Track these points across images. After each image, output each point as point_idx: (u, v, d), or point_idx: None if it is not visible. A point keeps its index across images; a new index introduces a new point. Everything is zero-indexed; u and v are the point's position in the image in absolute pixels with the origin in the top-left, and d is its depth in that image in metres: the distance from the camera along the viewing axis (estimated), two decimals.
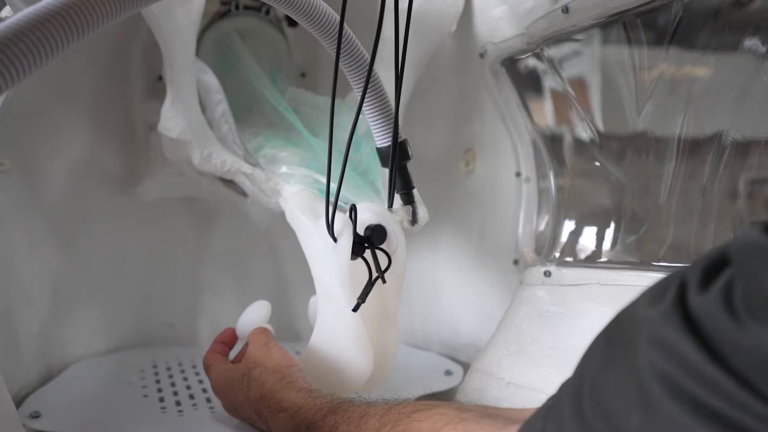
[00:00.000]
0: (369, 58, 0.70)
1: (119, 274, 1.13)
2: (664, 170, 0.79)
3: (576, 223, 0.90)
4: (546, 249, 0.91)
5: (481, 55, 0.95)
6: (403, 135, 0.75)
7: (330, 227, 0.71)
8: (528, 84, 0.94)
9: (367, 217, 0.72)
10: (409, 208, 0.76)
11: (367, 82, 0.70)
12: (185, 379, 0.98)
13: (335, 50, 0.69)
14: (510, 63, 0.93)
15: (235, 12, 1.10)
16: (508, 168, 1.01)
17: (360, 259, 0.72)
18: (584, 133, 0.87)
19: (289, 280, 1.26)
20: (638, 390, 0.31)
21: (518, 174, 0.99)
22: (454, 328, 1.12)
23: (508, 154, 1.01)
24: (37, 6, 0.40)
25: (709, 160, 0.74)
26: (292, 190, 0.86)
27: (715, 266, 0.32)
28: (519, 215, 0.98)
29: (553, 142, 0.93)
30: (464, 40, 1.00)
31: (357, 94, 0.73)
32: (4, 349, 0.86)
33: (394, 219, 0.73)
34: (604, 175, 0.85)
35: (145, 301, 1.17)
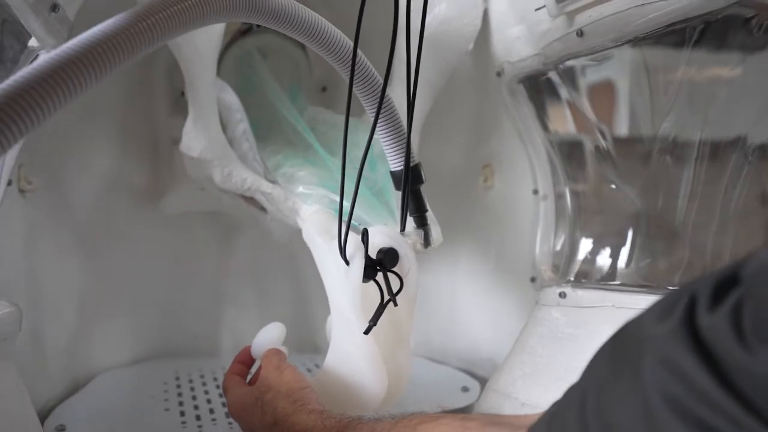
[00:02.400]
0: (382, 82, 0.71)
1: (143, 287, 1.16)
2: (681, 189, 0.78)
3: (592, 243, 0.89)
4: (562, 269, 0.91)
5: (498, 74, 0.95)
6: (416, 158, 0.76)
7: (342, 250, 0.71)
8: (544, 101, 0.94)
9: (379, 240, 0.73)
10: (422, 231, 0.77)
11: (379, 108, 0.71)
12: (206, 392, 1.00)
13: (348, 75, 0.70)
14: (527, 81, 0.93)
15: (256, 30, 1.12)
16: (525, 185, 1.01)
17: (373, 282, 0.73)
18: (600, 150, 0.87)
19: (309, 293, 1.27)
20: (644, 407, 0.31)
21: (535, 191, 0.99)
22: (473, 343, 1.13)
23: (525, 171, 1.01)
24: (53, 55, 0.42)
25: (727, 173, 0.73)
26: (309, 210, 0.87)
27: (725, 285, 0.31)
28: (536, 233, 0.98)
29: (569, 159, 0.92)
30: (482, 58, 1.00)
31: (370, 117, 0.74)
32: (32, 365, 0.89)
33: (406, 242, 0.74)
34: (620, 194, 0.85)
35: (168, 313, 1.19)
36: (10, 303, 0.66)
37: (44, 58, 0.42)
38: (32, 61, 0.67)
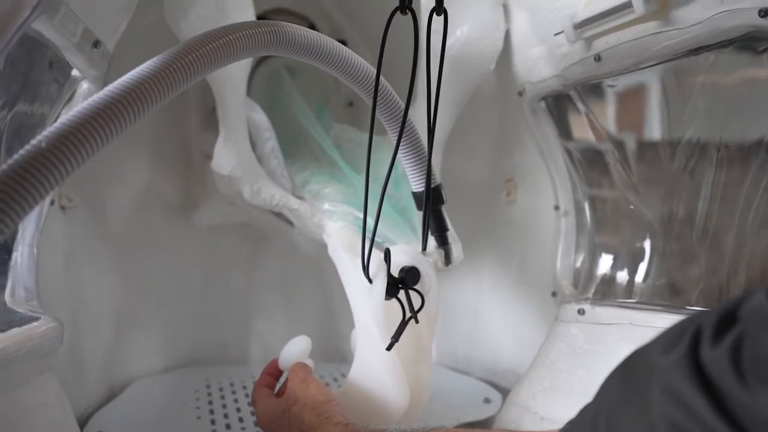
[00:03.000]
0: (403, 107, 0.74)
1: (176, 298, 1.20)
2: (701, 199, 0.79)
3: (611, 260, 0.91)
4: (582, 285, 0.92)
5: (520, 93, 0.97)
6: (438, 179, 0.78)
7: (366, 269, 0.74)
8: (565, 119, 0.96)
9: (401, 259, 0.76)
10: (443, 250, 0.79)
11: (401, 132, 0.73)
12: (236, 400, 1.04)
13: (371, 100, 0.72)
14: (548, 99, 0.95)
15: None
16: (547, 200, 1.03)
17: (395, 299, 0.76)
18: (618, 163, 0.89)
19: (336, 304, 1.30)
20: None
21: (557, 207, 1.01)
22: (495, 354, 1.15)
23: (547, 186, 1.02)
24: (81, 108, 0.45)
25: (748, 179, 0.74)
26: (335, 226, 0.91)
27: (728, 320, 0.34)
28: (558, 248, 1.00)
29: (588, 174, 0.94)
30: (505, 76, 1.02)
31: (392, 140, 0.76)
32: (71, 374, 0.93)
33: (427, 261, 0.76)
34: (638, 211, 0.86)
35: (199, 322, 1.23)
36: (53, 318, 0.70)
37: (97, 96, 0.46)
38: (74, 90, 0.71)
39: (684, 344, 0.34)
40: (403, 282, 0.75)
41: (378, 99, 0.73)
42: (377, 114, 0.75)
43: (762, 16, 0.58)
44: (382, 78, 0.73)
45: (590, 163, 0.94)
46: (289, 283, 1.32)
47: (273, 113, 1.06)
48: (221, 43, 0.55)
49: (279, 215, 1.04)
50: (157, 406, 1.02)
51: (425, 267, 0.76)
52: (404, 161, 0.78)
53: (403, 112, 0.73)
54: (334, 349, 1.28)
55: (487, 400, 1.04)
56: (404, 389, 0.77)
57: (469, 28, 0.95)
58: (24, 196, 0.42)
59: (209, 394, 1.07)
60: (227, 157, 0.95)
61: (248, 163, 0.97)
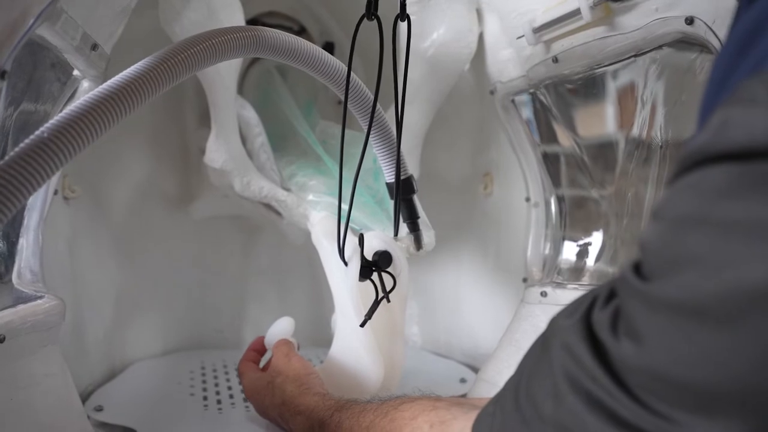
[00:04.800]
0: (373, 100, 0.80)
1: (174, 285, 1.27)
2: (647, 193, 0.86)
3: (573, 248, 0.97)
4: (546, 270, 0.99)
5: (492, 92, 1.03)
6: (409, 171, 0.85)
7: (341, 252, 0.81)
8: (532, 116, 1.02)
9: (375, 244, 0.83)
10: (414, 235, 0.86)
11: (370, 125, 0.80)
12: (228, 380, 1.11)
13: (344, 95, 0.79)
14: (517, 98, 1.02)
15: None
16: (520, 193, 1.09)
17: (370, 281, 0.82)
18: (575, 159, 0.95)
19: (325, 291, 1.35)
20: (552, 384, 0.41)
21: (527, 199, 1.07)
22: (474, 338, 1.21)
23: (519, 179, 1.09)
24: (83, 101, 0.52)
25: None
26: (318, 216, 0.97)
27: (615, 289, 0.41)
28: (528, 237, 1.06)
29: (552, 168, 1.01)
30: (481, 75, 1.09)
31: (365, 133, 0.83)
32: (74, 353, 1.00)
33: (398, 246, 0.83)
34: (592, 200, 0.93)
35: (196, 308, 1.30)
36: (56, 296, 0.77)
37: (93, 93, 0.53)
38: (75, 88, 0.78)
39: (581, 310, 0.42)
40: (376, 264, 0.82)
41: (350, 95, 0.80)
42: (352, 110, 0.82)
43: (688, 24, 0.65)
44: (354, 75, 0.79)
45: (556, 159, 1.01)
46: (281, 272, 1.39)
47: (263, 110, 1.13)
48: (205, 46, 0.61)
49: (268, 207, 1.11)
50: (153, 384, 1.09)
51: (397, 251, 0.83)
52: (378, 154, 0.85)
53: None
54: (323, 333, 1.34)
55: (462, 380, 1.10)
56: (379, 363, 0.84)
57: (444, 31, 1.01)
58: (29, 179, 0.49)
59: (203, 375, 1.13)
60: (219, 151, 1.02)
61: (239, 158, 1.04)
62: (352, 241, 0.83)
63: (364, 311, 0.82)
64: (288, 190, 1.05)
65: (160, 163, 1.26)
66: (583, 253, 0.95)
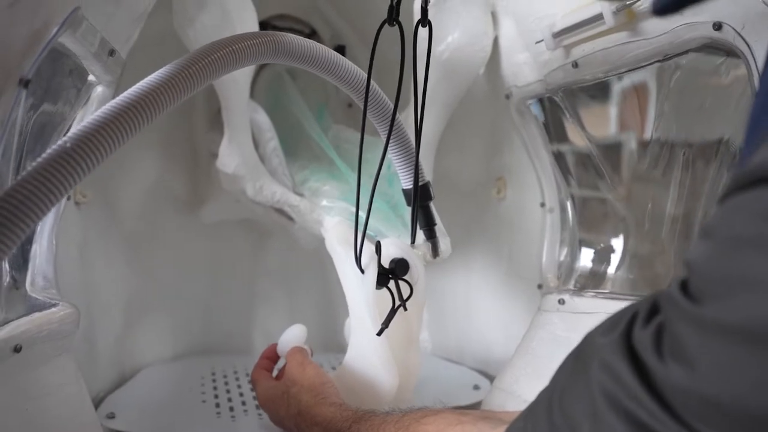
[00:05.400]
0: (393, 108, 0.80)
1: (184, 289, 1.27)
2: (669, 197, 0.85)
3: (591, 254, 0.97)
4: (563, 277, 0.98)
5: (507, 96, 1.02)
6: (426, 177, 0.84)
7: (358, 259, 0.80)
8: (549, 120, 1.02)
9: (392, 252, 0.82)
10: (430, 242, 0.85)
11: (389, 132, 0.79)
12: (239, 386, 1.10)
13: (363, 104, 0.78)
14: (533, 102, 1.01)
15: None
16: (534, 198, 1.08)
17: (386, 288, 0.82)
18: (592, 164, 0.95)
19: (336, 296, 1.35)
20: (590, 403, 0.40)
21: (542, 204, 1.06)
22: (486, 344, 1.20)
23: (533, 184, 1.08)
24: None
25: (709, 178, 0.79)
26: (332, 221, 0.96)
27: (657, 306, 0.40)
28: (543, 243, 1.05)
29: (569, 173, 1.00)
30: (495, 78, 1.08)
31: (383, 140, 0.82)
32: (86, 360, 0.99)
33: (415, 253, 0.82)
34: (614, 211, 0.92)
35: (206, 313, 1.30)
36: (71, 304, 0.76)
37: (115, 101, 0.52)
38: (90, 94, 0.77)
39: (621, 327, 0.40)
40: (392, 272, 0.81)
41: (369, 102, 0.79)
42: (369, 116, 0.81)
43: (716, 29, 0.64)
44: (373, 82, 0.78)
45: (572, 163, 1.00)
46: (291, 277, 1.38)
47: (275, 114, 1.12)
48: (225, 53, 0.61)
49: (280, 211, 1.10)
50: (164, 390, 1.08)
51: (414, 259, 0.82)
52: (394, 160, 0.84)
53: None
54: (333, 338, 1.34)
55: (476, 387, 1.09)
56: (394, 372, 0.83)
57: (459, 35, 1.00)
58: (53, 190, 0.48)
59: (214, 381, 1.12)
60: (231, 156, 1.01)
61: (251, 162, 1.03)
62: (368, 249, 0.82)
63: (381, 319, 0.81)
64: (301, 195, 1.04)
65: (170, 167, 1.25)
66: (601, 259, 0.94)
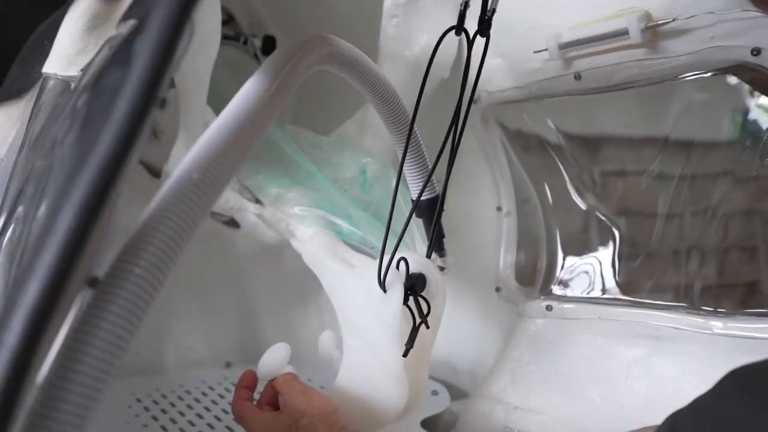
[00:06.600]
0: (411, 119, 0.76)
1: None
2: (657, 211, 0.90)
3: (576, 260, 0.99)
4: (542, 282, 1.00)
5: (475, 101, 1.01)
6: (437, 190, 0.81)
7: (381, 278, 0.74)
8: (514, 125, 1.03)
9: (410, 267, 0.77)
10: (441, 256, 0.82)
11: (407, 145, 0.75)
12: (182, 414, 0.98)
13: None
14: (500, 107, 1.01)
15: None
16: (487, 202, 1.09)
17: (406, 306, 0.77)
18: (575, 171, 0.97)
19: (253, 306, 1.26)
20: None
21: (499, 208, 1.07)
22: (440, 349, 1.18)
23: (487, 189, 1.08)
24: None
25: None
26: (308, 231, 0.89)
27: None
28: (500, 246, 1.06)
29: (537, 179, 1.02)
30: (448, 81, 1.06)
31: (398, 151, 0.78)
32: None
33: (435, 268, 0.79)
34: (598, 215, 0.96)
35: None
36: None
37: (223, 122, 0.43)
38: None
39: None
40: (412, 289, 0.76)
41: (389, 112, 0.75)
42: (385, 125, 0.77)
43: (754, 54, 0.67)
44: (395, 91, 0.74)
45: (544, 166, 1.02)
46: (204, 285, 1.25)
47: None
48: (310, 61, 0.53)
49: (217, 216, 1.01)
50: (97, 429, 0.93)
51: (434, 274, 0.78)
52: (408, 171, 0.80)
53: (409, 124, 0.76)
54: (256, 350, 1.24)
55: (435, 393, 1.08)
56: (404, 394, 0.79)
57: (428, 36, 0.98)
58: (182, 226, 0.39)
59: (147, 409, 0.99)
60: None
61: None
62: (373, 263, 0.77)
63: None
64: (258, 202, 0.95)
65: None
66: (586, 265, 0.97)
